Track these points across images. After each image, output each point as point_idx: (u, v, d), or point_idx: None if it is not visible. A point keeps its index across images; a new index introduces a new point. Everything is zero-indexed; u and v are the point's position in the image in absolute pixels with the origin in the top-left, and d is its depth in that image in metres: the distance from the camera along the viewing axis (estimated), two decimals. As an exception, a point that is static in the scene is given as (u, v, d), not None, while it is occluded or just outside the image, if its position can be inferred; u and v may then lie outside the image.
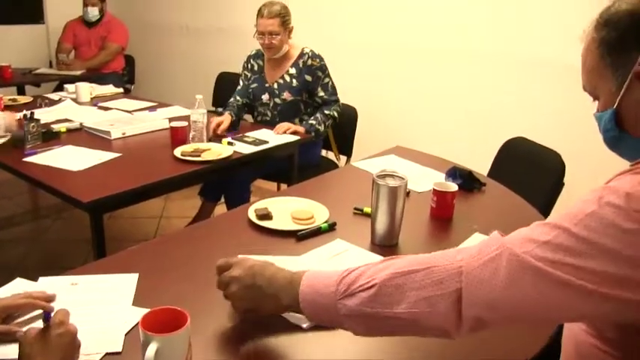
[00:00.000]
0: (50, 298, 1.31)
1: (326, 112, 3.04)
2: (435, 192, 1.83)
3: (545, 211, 2.04)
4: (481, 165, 2.38)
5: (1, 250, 1.36)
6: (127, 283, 1.40)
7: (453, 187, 1.87)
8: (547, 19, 2.98)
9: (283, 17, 2.99)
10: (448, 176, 2.09)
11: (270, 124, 2.99)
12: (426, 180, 2.12)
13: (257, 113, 3.20)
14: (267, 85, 3.13)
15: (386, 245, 1.63)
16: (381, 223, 1.62)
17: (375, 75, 3.75)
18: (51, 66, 4.95)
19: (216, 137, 2.71)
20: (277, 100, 3.08)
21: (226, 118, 2.94)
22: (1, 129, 2.57)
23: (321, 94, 3.06)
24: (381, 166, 2.16)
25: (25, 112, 2.65)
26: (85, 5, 4.89)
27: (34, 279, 1.45)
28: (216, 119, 2.89)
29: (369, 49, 3.74)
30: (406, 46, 3.55)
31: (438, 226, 1.82)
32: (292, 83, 3.05)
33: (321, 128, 3.00)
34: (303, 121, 3.07)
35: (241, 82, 3.26)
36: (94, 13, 4.90)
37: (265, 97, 3.12)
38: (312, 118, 3.02)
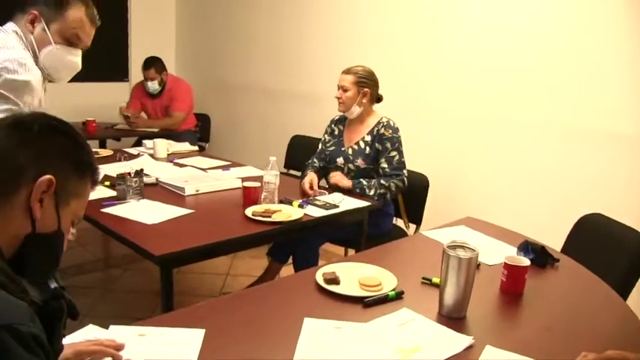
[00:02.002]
0: (119, 347, 1.35)
1: (382, 181, 3.02)
2: (507, 266, 1.79)
3: (623, 292, 1.94)
4: (554, 240, 2.31)
5: (72, 295, 1.41)
6: (193, 338, 1.42)
7: (525, 261, 1.82)
8: (626, 92, 2.92)
9: (359, 78, 3.06)
10: (520, 250, 2.04)
11: (343, 191, 3.02)
12: (496, 253, 2.07)
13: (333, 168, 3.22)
14: (343, 149, 3.18)
15: (454, 317, 1.59)
16: (450, 294, 1.59)
17: (448, 143, 3.74)
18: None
19: (287, 199, 2.75)
20: (351, 166, 3.11)
21: (314, 176, 3.05)
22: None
23: (384, 165, 3.04)
24: (451, 236, 2.14)
25: (132, 167, 2.84)
26: (145, 79, 5.09)
27: (104, 326, 1.49)
28: (307, 179, 3.00)
29: (443, 117, 3.75)
30: (481, 116, 3.54)
31: (508, 301, 1.76)
32: (366, 150, 3.08)
33: (370, 192, 2.97)
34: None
35: (320, 146, 3.32)
36: (154, 87, 5.09)
37: (340, 160, 3.16)
38: (367, 180, 3.03)
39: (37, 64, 1.93)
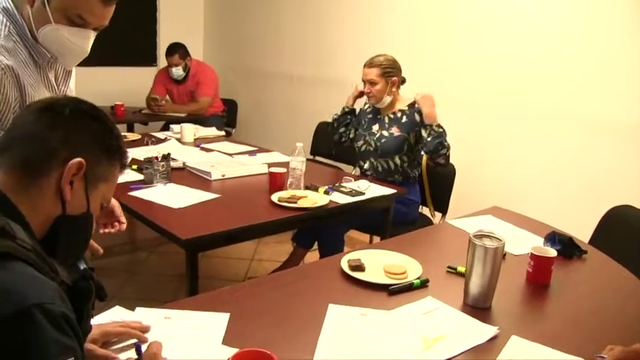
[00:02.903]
0: (145, 330, 1.37)
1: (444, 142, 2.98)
2: (533, 256, 1.77)
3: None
4: (582, 232, 2.27)
5: (100, 277, 1.45)
6: (218, 321, 1.43)
7: (552, 252, 1.80)
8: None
9: (384, 69, 3.05)
10: (547, 241, 2.02)
11: (373, 156, 3.10)
12: (523, 243, 2.05)
13: (363, 142, 3.21)
14: (379, 116, 3.18)
15: (479, 307, 1.58)
16: (476, 284, 1.58)
17: (476, 132, 3.70)
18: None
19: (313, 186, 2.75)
20: (384, 133, 3.10)
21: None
22: None
23: (424, 134, 2.98)
24: (478, 225, 2.12)
25: (159, 151, 2.85)
26: (169, 66, 5.10)
27: (130, 308, 1.51)
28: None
29: (470, 105, 3.71)
30: (509, 104, 3.49)
31: (534, 292, 1.75)
32: (402, 119, 3.08)
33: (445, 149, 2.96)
34: (403, 161, 3.08)
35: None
36: (178, 72, 5.11)
37: (376, 127, 3.16)
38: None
39: (36, 44, 1.61)
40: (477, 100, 3.67)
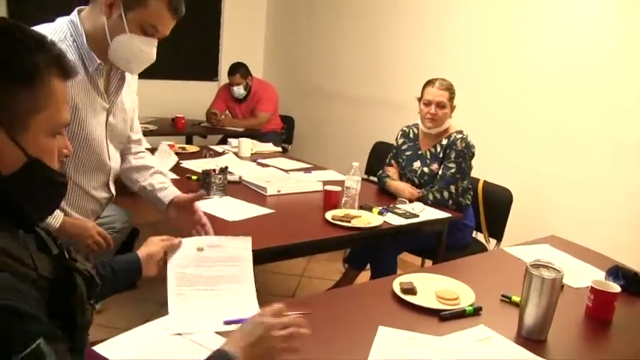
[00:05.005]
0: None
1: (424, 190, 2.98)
2: (594, 290, 1.70)
3: None
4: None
5: (150, 289, 1.48)
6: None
7: (615, 287, 1.72)
8: None
9: (452, 93, 3.01)
10: (609, 275, 1.94)
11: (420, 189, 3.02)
12: (582, 276, 1.99)
13: (406, 180, 3.18)
14: (420, 152, 3.14)
15: (534, 339, 1.53)
16: (531, 315, 1.53)
17: (535, 157, 3.62)
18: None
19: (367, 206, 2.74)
20: (425, 170, 3.06)
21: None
22: None
23: (440, 171, 2.98)
24: (534, 254, 2.07)
25: (217, 164, 2.92)
26: (231, 85, 5.19)
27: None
28: (403, 185, 3.05)
29: (530, 129, 3.63)
30: (572, 129, 3.39)
31: (594, 329, 1.68)
32: (440, 155, 3.03)
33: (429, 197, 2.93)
34: (451, 192, 2.99)
35: (394, 150, 3.31)
36: (240, 92, 5.19)
37: (417, 164, 3.12)
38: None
39: (89, 51, 1.79)
40: (537, 123, 3.60)
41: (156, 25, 1.76)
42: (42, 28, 1.69)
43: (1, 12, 4.83)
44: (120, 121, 2.04)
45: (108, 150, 2.03)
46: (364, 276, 3.35)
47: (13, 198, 0.91)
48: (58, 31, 1.76)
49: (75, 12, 1.82)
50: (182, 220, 1.98)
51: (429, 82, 3.04)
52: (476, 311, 1.67)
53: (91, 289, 1.05)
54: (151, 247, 1.59)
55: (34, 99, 0.90)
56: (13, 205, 0.92)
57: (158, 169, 2.19)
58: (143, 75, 2.00)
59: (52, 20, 1.82)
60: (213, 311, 1.52)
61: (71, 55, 1.74)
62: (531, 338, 1.54)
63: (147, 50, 1.81)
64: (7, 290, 0.81)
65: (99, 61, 1.81)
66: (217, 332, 1.43)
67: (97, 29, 1.77)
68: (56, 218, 1.88)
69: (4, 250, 0.84)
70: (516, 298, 1.70)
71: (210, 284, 1.59)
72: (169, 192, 2.06)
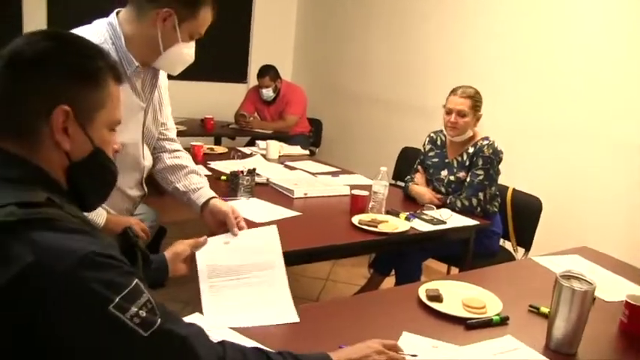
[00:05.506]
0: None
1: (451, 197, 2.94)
2: (628, 305, 1.65)
3: None
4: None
5: (176, 286, 1.51)
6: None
7: (651, 302, 1.68)
8: None
9: (476, 102, 2.96)
10: (643, 289, 1.90)
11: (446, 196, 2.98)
12: (615, 289, 1.94)
13: (432, 187, 3.14)
14: (447, 160, 3.10)
15: (563, 353, 1.49)
16: (560, 327, 1.49)
17: (566, 165, 3.56)
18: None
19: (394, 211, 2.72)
20: (452, 178, 3.03)
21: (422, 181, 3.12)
22: None
23: (468, 179, 2.95)
24: (564, 265, 2.03)
25: (245, 166, 2.93)
26: (260, 87, 5.22)
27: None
28: (426, 190, 3.05)
29: (560, 137, 3.57)
30: (602, 137, 3.33)
31: (628, 344, 1.63)
32: (466, 163, 3.00)
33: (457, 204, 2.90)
34: (479, 199, 2.94)
35: (420, 157, 3.28)
36: (268, 94, 5.22)
37: (444, 172, 3.08)
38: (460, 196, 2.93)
39: (127, 53, 1.83)
40: (566, 131, 3.54)
41: (201, 31, 1.88)
42: (82, 31, 1.73)
43: (41, 15, 4.93)
44: (152, 119, 2.07)
45: (142, 149, 2.05)
46: (388, 282, 3.33)
47: (79, 184, 1.06)
48: (97, 34, 1.79)
49: (114, 14, 1.85)
50: (215, 223, 1.92)
51: (453, 90, 3.01)
52: (503, 321, 1.64)
53: (146, 267, 1.17)
54: (177, 246, 1.63)
55: (99, 97, 1.04)
56: (78, 192, 1.07)
57: (193, 169, 2.16)
58: (174, 76, 2.03)
59: (89, 22, 1.85)
60: (248, 303, 1.56)
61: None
62: (560, 351, 1.50)
63: (191, 53, 1.91)
64: (111, 247, 0.95)
65: (137, 64, 1.84)
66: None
67: (143, 37, 1.82)
68: (101, 216, 1.92)
69: (78, 216, 0.99)
70: (545, 309, 1.67)
71: (242, 273, 1.62)
72: (203, 193, 2.03)
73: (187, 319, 1.47)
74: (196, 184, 2.08)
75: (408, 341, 1.48)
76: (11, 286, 0.84)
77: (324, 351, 1.24)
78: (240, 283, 1.60)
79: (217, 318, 1.48)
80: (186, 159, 2.21)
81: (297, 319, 1.55)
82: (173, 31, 1.81)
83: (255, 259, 1.66)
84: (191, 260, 1.63)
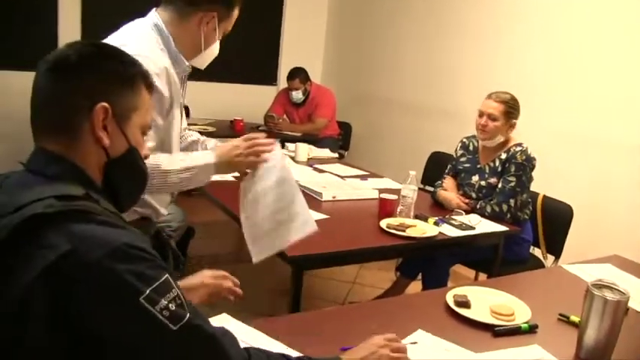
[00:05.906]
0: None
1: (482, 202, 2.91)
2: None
3: None
4: None
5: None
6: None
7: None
8: None
9: (510, 107, 2.93)
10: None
11: (477, 202, 2.95)
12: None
13: (462, 193, 3.12)
14: (478, 166, 3.08)
15: (594, 363, 1.47)
16: (591, 338, 1.47)
17: (598, 172, 3.50)
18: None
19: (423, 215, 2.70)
20: (483, 183, 3.01)
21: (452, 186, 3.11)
22: None
23: (500, 184, 2.92)
24: (595, 274, 2.00)
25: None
26: (290, 89, 5.23)
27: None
28: (454, 196, 3.03)
29: (592, 144, 3.52)
30: (635, 143, 3.29)
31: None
32: (498, 169, 2.97)
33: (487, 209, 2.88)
34: (510, 206, 2.90)
35: (453, 163, 3.25)
36: (298, 96, 5.22)
37: (475, 178, 3.06)
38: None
39: (177, 54, 1.89)
40: (600, 137, 3.49)
41: (230, 27, 1.96)
42: (127, 33, 1.81)
43: (75, 18, 5.01)
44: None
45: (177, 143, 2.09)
46: (413, 286, 3.31)
47: (115, 181, 1.11)
48: (147, 37, 1.82)
49: (155, 15, 1.87)
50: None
51: (489, 95, 2.99)
52: (532, 329, 1.62)
53: (177, 266, 1.21)
54: (193, 280, 1.60)
55: (134, 100, 1.11)
56: (112, 190, 1.11)
57: (205, 137, 2.23)
58: (204, 78, 2.05)
59: (122, 25, 1.88)
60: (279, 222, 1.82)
61: (165, 59, 1.83)
62: (591, 361, 1.48)
63: (216, 50, 2.00)
64: (144, 241, 0.98)
65: (187, 63, 1.92)
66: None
67: (188, 38, 1.88)
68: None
69: (115, 212, 1.03)
70: (575, 319, 1.64)
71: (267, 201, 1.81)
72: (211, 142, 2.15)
73: (215, 319, 1.50)
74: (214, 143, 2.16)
75: (418, 338, 1.51)
76: (46, 275, 0.87)
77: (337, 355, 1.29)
78: (268, 211, 1.81)
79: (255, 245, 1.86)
80: (196, 134, 2.26)
81: (315, 228, 1.76)
82: (213, 32, 1.90)
83: (277, 195, 1.83)
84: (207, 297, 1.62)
